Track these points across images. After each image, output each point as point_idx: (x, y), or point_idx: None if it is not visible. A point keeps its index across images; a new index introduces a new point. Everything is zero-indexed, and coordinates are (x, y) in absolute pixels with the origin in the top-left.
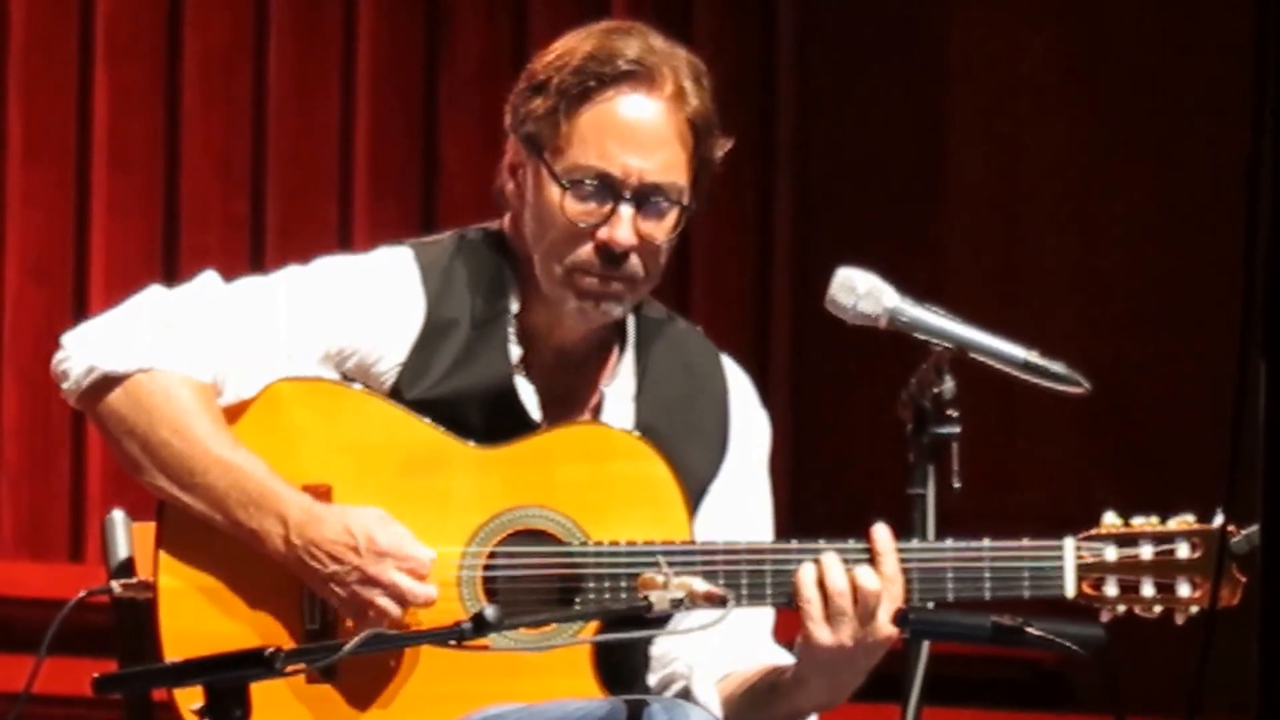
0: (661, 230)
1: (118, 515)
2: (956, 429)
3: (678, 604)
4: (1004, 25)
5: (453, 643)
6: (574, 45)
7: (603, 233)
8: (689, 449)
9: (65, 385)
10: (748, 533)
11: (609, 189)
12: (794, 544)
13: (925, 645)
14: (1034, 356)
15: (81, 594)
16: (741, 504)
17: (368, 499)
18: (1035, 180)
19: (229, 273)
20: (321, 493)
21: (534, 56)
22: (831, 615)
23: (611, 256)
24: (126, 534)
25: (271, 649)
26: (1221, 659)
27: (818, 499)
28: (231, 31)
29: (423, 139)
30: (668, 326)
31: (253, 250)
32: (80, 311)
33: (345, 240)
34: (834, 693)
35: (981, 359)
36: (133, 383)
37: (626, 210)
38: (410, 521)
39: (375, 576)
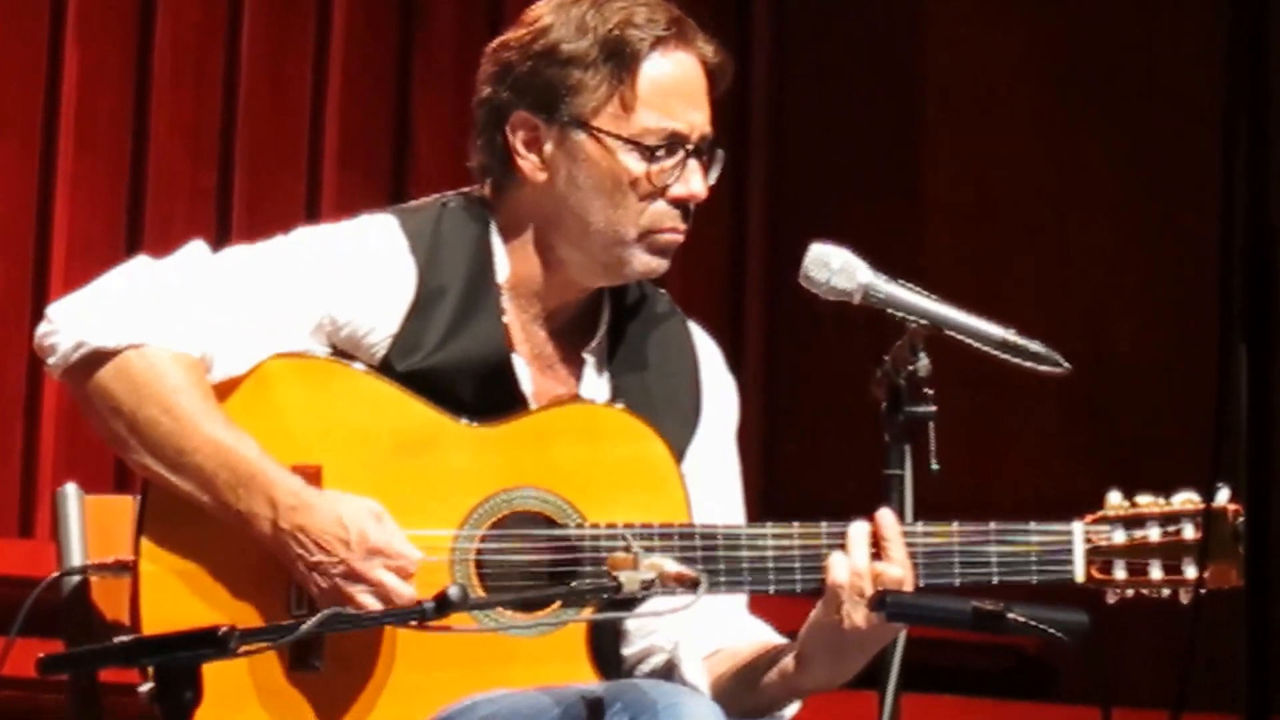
0: (712, 178)
1: (70, 489)
2: (932, 408)
3: (648, 585)
4: (979, 10)
5: (414, 623)
6: (580, 15)
7: (679, 189)
8: (664, 419)
9: (51, 360)
10: (721, 504)
11: (678, 146)
12: (795, 527)
13: (902, 632)
14: (1011, 335)
15: (54, 575)
16: (715, 475)
17: (359, 480)
18: (1013, 159)
19: None
20: (311, 473)
21: (512, 35)
22: (848, 598)
23: (686, 209)
24: (79, 509)
25: (225, 628)
26: (1208, 646)
27: (791, 478)
28: (204, 7)
29: (394, 113)
30: (637, 291)
31: (219, 224)
32: (41, 287)
33: (313, 213)
34: (836, 676)
35: (958, 337)
36: (122, 359)
37: (694, 164)
38: (403, 503)
39: (362, 573)
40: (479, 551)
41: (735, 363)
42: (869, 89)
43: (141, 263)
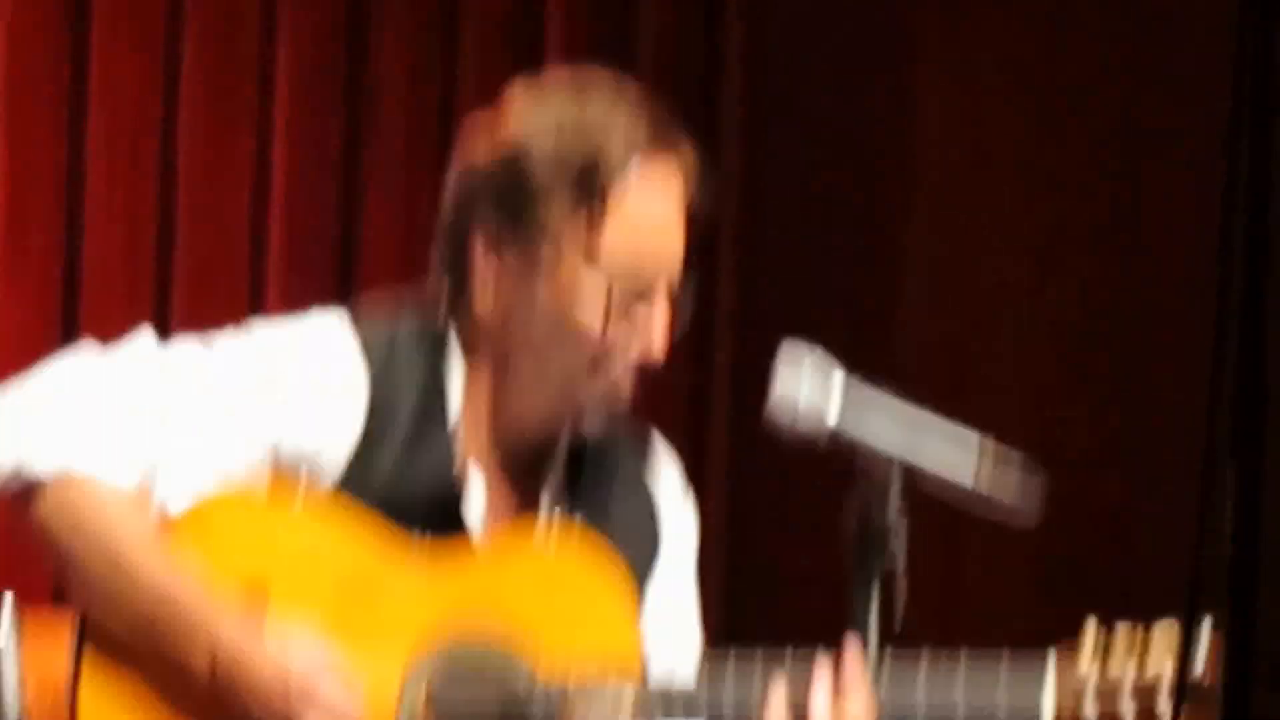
0: (677, 311)
1: (6, 602)
2: (898, 561)
3: None
4: (971, 88)
5: None
6: (549, 128)
7: (640, 345)
8: (622, 548)
9: None
10: (682, 638)
11: (643, 297)
12: (759, 660)
13: None
14: (984, 481)
15: None
16: (676, 607)
17: (304, 619)
18: (998, 222)
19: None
20: (255, 612)
21: (486, 140)
22: None
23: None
24: (13, 629)
25: None
26: None
27: (754, 604)
28: (139, 95)
29: (341, 205)
30: None
31: (157, 310)
32: None
33: (258, 302)
34: None
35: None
36: (58, 488)
37: (660, 315)
38: (347, 651)
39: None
40: (426, 704)
41: (698, 467)
42: (850, 168)
43: (84, 358)
